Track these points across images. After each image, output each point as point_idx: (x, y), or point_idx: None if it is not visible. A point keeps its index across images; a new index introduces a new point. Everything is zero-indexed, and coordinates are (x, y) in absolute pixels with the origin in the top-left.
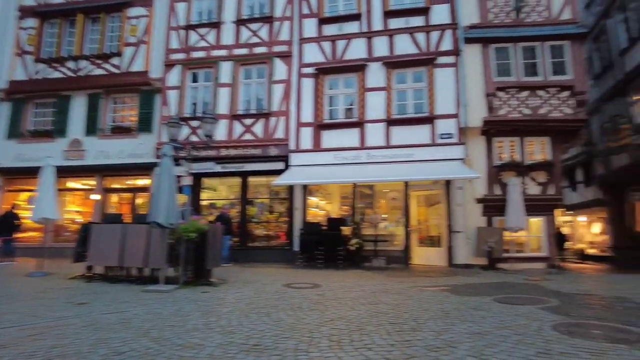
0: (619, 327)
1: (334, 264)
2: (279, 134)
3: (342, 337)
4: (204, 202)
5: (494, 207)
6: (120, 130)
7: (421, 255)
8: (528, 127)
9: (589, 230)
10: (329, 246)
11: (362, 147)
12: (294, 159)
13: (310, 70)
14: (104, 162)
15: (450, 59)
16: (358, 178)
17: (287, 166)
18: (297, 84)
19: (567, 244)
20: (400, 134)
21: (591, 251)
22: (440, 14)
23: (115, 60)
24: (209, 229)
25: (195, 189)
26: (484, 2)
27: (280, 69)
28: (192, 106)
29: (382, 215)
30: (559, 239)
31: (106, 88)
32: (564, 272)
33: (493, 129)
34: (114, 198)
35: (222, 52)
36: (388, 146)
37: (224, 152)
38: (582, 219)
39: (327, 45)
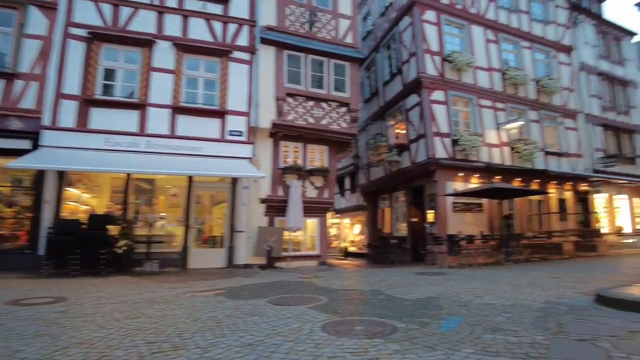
0: (376, 320)
1: (95, 270)
2: (27, 103)
3: None
4: None
5: (276, 207)
6: None
7: (201, 257)
8: (311, 134)
9: (351, 231)
10: (90, 249)
11: (142, 133)
12: (48, 137)
13: (81, 32)
14: None
15: (245, 56)
16: (134, 168)
17: (36, 146)
18: (60, 44)
19: (335, 243)
20: (188, 124)
21: (352, 249)
22: (239, 7)
23: None
24: None
25: None
26: (282, 7)
27: (37, 20)
28: None
29: (161, 214)
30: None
31: None
32: (331, 269)
33: (281, 132)
34: None
35: None
36: (173, 136)
37: None
38: (347, 221)
39: (107, 7)
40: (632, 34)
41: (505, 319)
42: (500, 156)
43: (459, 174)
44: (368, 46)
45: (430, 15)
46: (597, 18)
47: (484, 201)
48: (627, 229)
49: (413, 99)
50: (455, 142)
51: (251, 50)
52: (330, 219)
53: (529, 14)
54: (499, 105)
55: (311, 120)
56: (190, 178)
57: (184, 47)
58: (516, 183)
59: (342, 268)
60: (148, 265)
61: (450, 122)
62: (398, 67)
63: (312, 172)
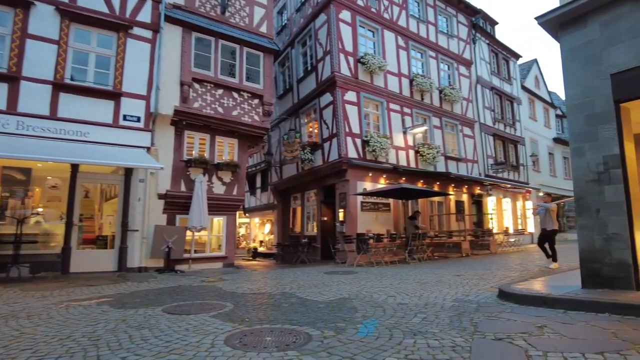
0: (288, 328)
1: None
2: None
3: None
4: None
5: (177, 204)
6: None
7: (86, 259)
8: (220, 126)
9: (261, 231)
10: None
11: (12, 111)
12: None
13: None
14: None
15: (147, 33)
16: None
17: None
18: None
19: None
20: (74, 105)
21: (262, 249)
22: None
23: None
24: None
25: None
26: None
27: None
28: None
29: (37, 210)
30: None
31: None
32: (239, 271)
33: (185, 120)
34: None
35: None
36: (54, 117)
37: None
38: (257, 220)
39: None
40: (517, 56)
41: (422, 320)
42: (406, 158)
43: (369, 174)
44: (283, 41)
45: (346, 15)
46: (491, 38)
47: (391, 201)
48: (511, 229)
49: (327, 97)
50: (366, 143)
51: (154, 27)
52: (240, 218)
53: (435, 26)
54: (406, 110)
55: (220, 110)
56: (74, 168)
57: (71, 14)
58: (420, 185)
59: (251, 269)
60: (15, 270)
61: (362, 123)
62: (313, 65)
63: (220, 167)
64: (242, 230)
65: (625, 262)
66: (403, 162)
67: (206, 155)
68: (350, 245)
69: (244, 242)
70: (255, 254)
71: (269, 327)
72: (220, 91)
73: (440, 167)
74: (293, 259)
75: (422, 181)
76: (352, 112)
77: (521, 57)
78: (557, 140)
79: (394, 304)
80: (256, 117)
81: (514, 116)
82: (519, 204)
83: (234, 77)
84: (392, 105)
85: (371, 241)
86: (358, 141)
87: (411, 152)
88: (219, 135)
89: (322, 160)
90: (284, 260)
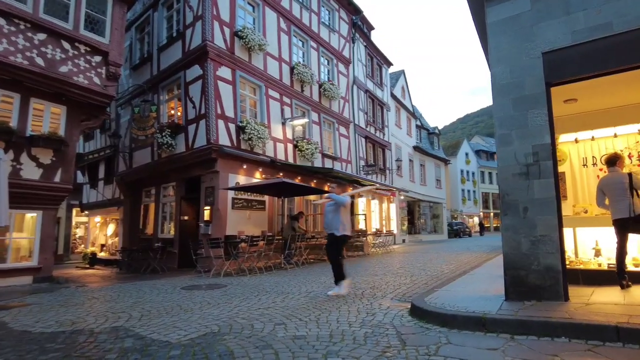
0: None
1: None
2: None
3: None
4: None
5: None
6: None
7: None
8: (39, 84)
9: (103, 232)
10: None
11: None
12: None
13: None
14: None
15: None
16: None
17: None
18: None
19: (81, 247)
20: None
21: (103, 255)
22: None
23: None
24: None
25: None
26: None
27: None
28: None
29: None
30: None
31: None
32: (58, 288)
33: None
34: None
35: None
36: None
37: None
38: (97, 219)
39: None
40: (389, 63)
41: None
42: (285, 152)
43: (243, 166)
44: (143, 2)
45: None
46: (368, 41)
47: (267, 198)
48: (377, 230)
49: (195, 70)
50: (241, 130)
51: None
52: (78, 216)
53: (318, 16)
54: (286, 99)
55: (41, 62)
56: None
57: None
58: (298, 181)
59: (80, 284)
60: None
61: (237, 106)
62: (179, 31)
63: (36, 142)
64: (79, 232)
65: (554, 268)
66: (281, 156)
67: (13, 123)
68: (217, 250)
69: (82, 246)
70: (92, 261)
71: None
72: (42, 36)
73: (318, 165)
74: (142, 267)
75: (299, 178)
76: (225, 91)
77: (392, 65)
78: (416, 148)
79: (288, 338)
80: (96, 80)
81: (383, 121)
82: (384, 205)
83: (66, 22)
84: (271, 92)
85: (243, 244)
86: (232, 126)
87: (290, 146)
88: (36, 97)
89: (185, 147)
90: (131, 269)
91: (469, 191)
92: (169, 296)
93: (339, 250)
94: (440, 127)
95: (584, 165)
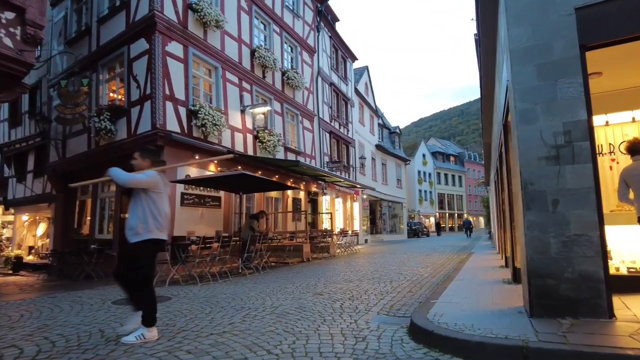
0: None
1: None
2: None
3: None
4: None
5: None
6: None
7: None
8: None
9: (32, 233)
10: None
11: None
12: None
13: None
14: None
15: None
16: None
17: None
18: None
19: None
20: None
21: (31, 258)
22: None
23: None
24: None
25: None
26: None
27: None
28: None
29: None
30: None
31: None
32: None
33: None
34: None
35: None
36: None
37: None
38: (25, 218)
39: None
40: (354, 57)
41: None
42: (244, 143)
43: (195, 157)
44: None
45: None
46: (333, 32)
47: (222, 194)
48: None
49: (141, 45)
50: (193, 115)
51: None
52: (2, 215)
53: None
54: (246, 85)
55: None
56: None
57: None
58: (259, 175)
59: None
60: None
61: (189, 87)
62: (123, 0)
63: None
64: (7, 232)
65: (593, 276)
66: (240, 147)
67: None
68: (162, 253)
69: (8, 249)
70: (17, 266)
71: None
72: None
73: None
74: (75, 272)
75: (260, 172)
76: (176, 69)
77: (357, 59)
78: (378, 147)
79: None
80: (8, 42)
81: (347, 117)
82: (348, 204)
83: None
84: (229, 75)
85: (194, 247)
86: (182, 110)
87: (250, 137)
88: None
89: (127, 133)
90: (63, 275)
91: (425, 192)
92: (92, 315)
93: (145, 267)
94: None
95: (599, 153)
